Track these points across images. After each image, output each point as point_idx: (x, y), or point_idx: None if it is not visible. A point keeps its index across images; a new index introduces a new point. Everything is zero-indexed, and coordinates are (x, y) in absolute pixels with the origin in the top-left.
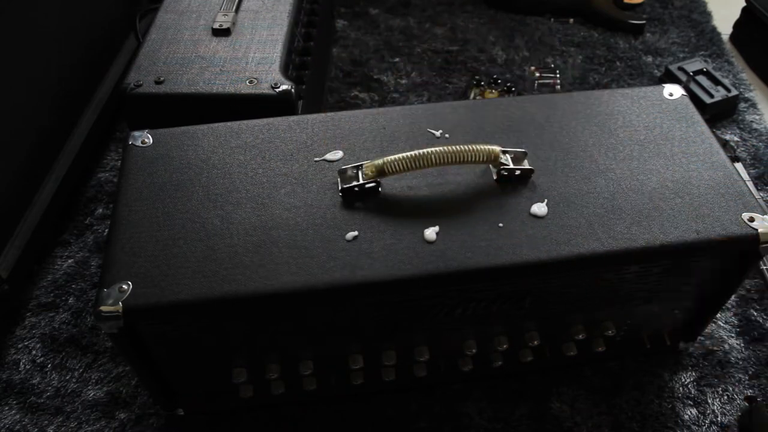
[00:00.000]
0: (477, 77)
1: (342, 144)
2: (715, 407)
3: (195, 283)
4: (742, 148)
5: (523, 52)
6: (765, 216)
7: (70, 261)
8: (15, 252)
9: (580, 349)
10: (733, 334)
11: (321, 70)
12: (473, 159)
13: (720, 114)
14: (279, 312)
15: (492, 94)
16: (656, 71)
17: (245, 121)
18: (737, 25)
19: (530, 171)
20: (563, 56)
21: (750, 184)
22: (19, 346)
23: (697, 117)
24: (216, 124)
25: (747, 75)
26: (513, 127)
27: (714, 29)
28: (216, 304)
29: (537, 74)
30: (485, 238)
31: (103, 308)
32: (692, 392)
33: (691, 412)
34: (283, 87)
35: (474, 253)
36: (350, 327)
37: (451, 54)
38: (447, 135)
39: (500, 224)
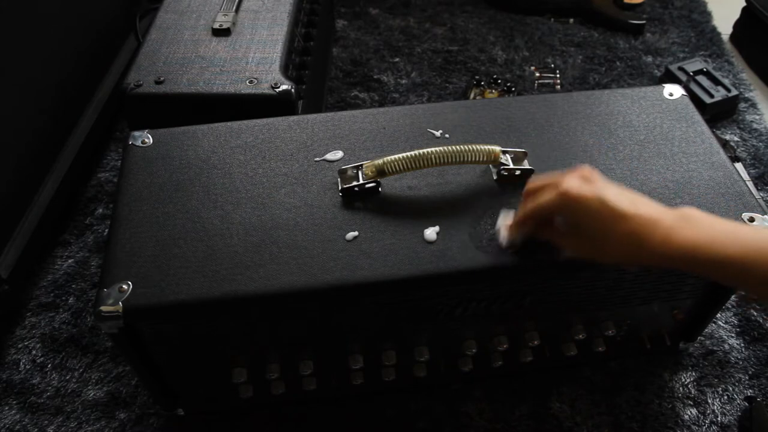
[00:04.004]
0: (477, 77)
1: (342, 144)
2: (715, 407)
3: (195, 283)
4: (742, 148)
5: (523, 52)
6: (765, 216)
7: (70, 261)
8: (15, 252)
9: (580, 349)
10: (733, 334)
11: (321, 70)
12: (473, 159)
13: (720, 114)
14: (279, 312)
15: (492, 94)
16: (656, 71)
17: (245, 121)
18: (737, 25)
19: (530, 171)
20: (563, 56)
21: (750, 184)
22: (19, 346)
23: (697, 117)
24: (216, 124)
25: (747, 75)
26: (513, 127)
27: (714, 29)
28: (216, 304)
29: (537, 74)
30: (485, 238)
31: (103, 308)
32: (692, 392)
33: (691, 412)
34: (283, 87)
35: (474, 253)
36: (350, 327)
37: (451, 54)
38: (447, 135)
39: None
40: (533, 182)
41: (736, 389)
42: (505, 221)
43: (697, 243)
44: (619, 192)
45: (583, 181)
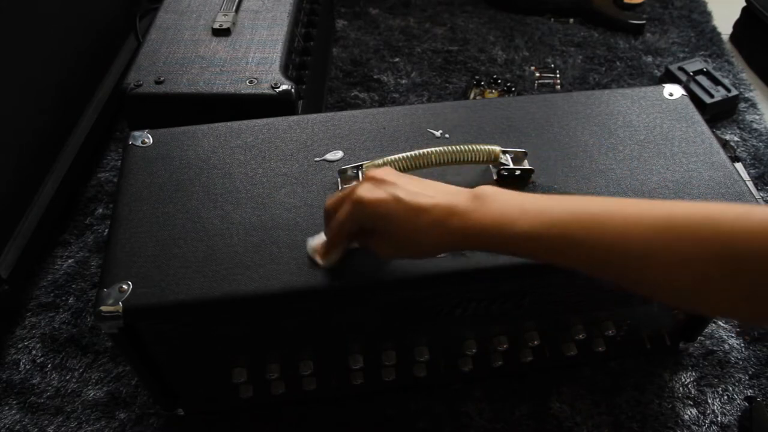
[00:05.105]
0: (477, 77)
1: (342, 144)
2: (715, 407)
3: (195, 283)
4: (742, 148)
5: (523, 52)
6: None
7: (70, 261)
8: (15, 252)
9: (580, 349)
10: (733, 334)
11: (321, 70)
12: (473, 159)
13: (720, 114)
14: (279, 312)
15: (492, 94)
16: (656, 71)
17: (245, 121)
18: (737, 25)
19: (530, 171)
20: (563, 56)
21: (750, 184)
22: (19, 346)
23: (697, 117)
24: (216, 124)
25: (747, 75)
26: (513, 127)
27: (714, 29)
28: (216, 304)
29: (537, 74)
30: None
31: (103, 308)
32: (692, 392)
33: (691, 412)
34: (283, 87)
35: (474, 254)
36: (350, 327)
37: (451, 54)
38: (447, 135)
39: None
40: (330, 199)
41: (736, 389)
42: (314, 245)
43: (486, 222)
44: (413, 186)
45: (374, 185)
